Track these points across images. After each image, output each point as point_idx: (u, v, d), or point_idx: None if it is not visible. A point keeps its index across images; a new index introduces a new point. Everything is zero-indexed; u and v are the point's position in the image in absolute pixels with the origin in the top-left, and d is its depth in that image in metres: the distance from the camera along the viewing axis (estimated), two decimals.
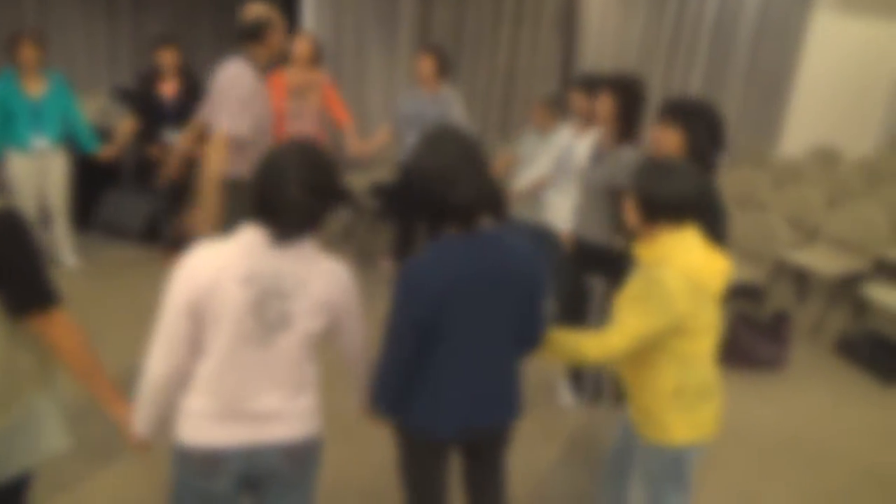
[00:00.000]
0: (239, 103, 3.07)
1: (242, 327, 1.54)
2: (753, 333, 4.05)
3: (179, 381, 1.61)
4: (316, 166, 1.52)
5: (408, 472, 1.98)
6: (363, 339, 1.80)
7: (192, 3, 7.25)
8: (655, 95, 6.86)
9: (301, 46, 4.56)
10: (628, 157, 3.04)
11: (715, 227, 2.14)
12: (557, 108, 4.22)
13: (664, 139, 2.45)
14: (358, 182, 5.57)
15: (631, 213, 1.97)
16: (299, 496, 1.75)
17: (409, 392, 1.79)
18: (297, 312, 1.58)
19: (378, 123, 5.96)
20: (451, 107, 4.55)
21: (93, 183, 5.13)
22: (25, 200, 4.36)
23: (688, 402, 1.98)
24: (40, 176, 4.37)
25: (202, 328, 1.56)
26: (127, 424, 1.71)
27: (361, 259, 5.33)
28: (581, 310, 3.34)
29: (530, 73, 6.66)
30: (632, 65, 6.77)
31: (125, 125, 4.59)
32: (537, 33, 6.55)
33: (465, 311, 1.70)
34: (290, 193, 1.48)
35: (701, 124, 2.41)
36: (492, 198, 1.72)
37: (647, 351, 1.94)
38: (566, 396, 3.57)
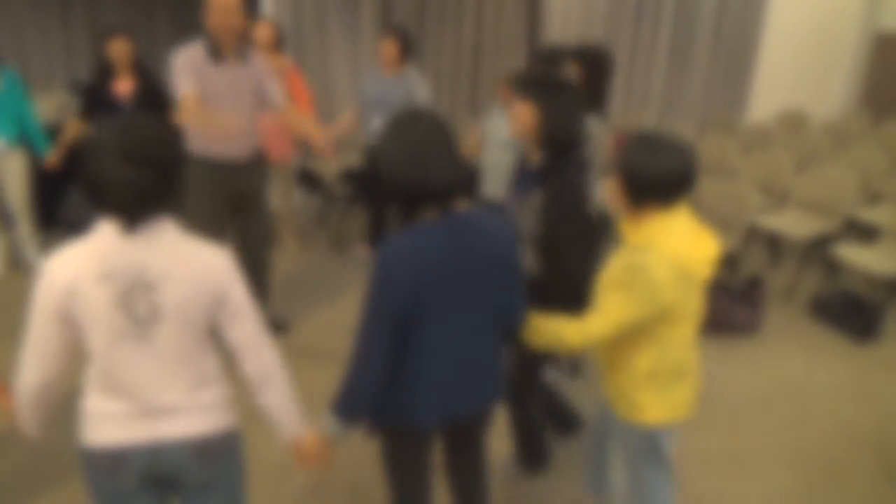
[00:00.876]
0: (181, 69, 3.20)
1: (113, 325, 1.47)
2: (728, 299, 4.08)
3: (58, 386, 1.55)
4: (135, 135, 1.42)
5: (391, 463, 1.94)
6: (257, 336, 1.63)
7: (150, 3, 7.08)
8: (622, 66, 6.84)
9: (262, 32, 4.47)
10: (595, 128, 3.03)
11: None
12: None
13: (516, 113, 2.31)
14: (328, 168, 5.50)
15: (616, 193, 1.89)
16: (222, 496, 1.68)
17: (388, 390, 1.73)
18: (167, 303, 1.49)
19: (344, 106, 5.89)
20: (416, 87, 4.49)
21: (54, 181, 5.00)
22: None
23: (662, 384, 1.95)
24: None
25: (77, 332, 1.50)
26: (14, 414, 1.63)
27: (335, 246, 5.28)
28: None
29: (496, 49, 6.60)
30: (598, 37, 6.73)
31: (71, 127, 4.37)
32: (502, 7, 6.49)
33: (443, 296, 1.65)
34: (107, 165, 1.38)
35: (554, 100, 2.25)
36: (465, 179, 1.69)
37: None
38: (546, 373, 3.57)
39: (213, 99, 3.30)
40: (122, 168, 1.39)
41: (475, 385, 1.82)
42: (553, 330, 1.93)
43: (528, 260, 2.31)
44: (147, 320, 1.49)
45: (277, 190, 5.03)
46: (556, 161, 2.26)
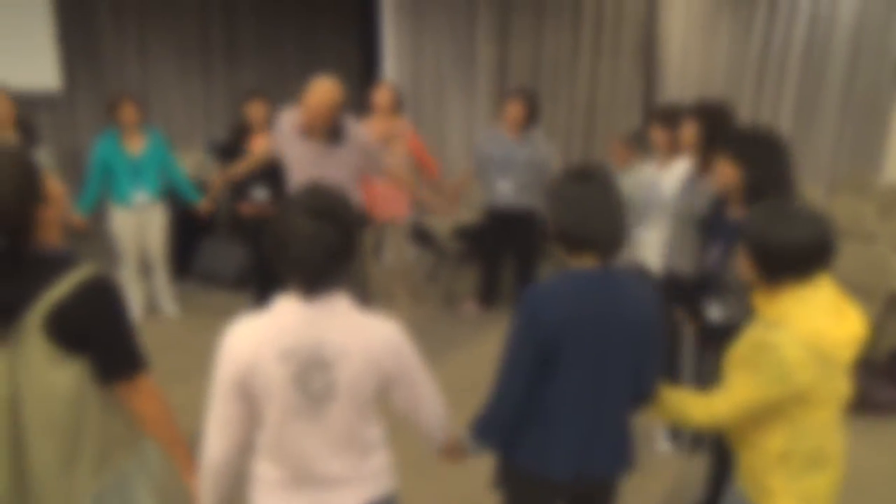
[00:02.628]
0: (272, 131, 3.55)
1: (288, 402, 1.51)
2: (869, 375, 3.76)
3: (239, 459, 1.60)
4: (321, 196, 1.50)
5: None
6: (431, 398, 1.70)
7: (280, 60, 7.59)
8: (744, 124, 6.59)
9: (381, 95, 4.65)
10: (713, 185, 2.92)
11: None
12: (637, 145, 4.12)
13: (719, 173, 2.33)
14: (441, 225, 5.59)
15: (745, 265, 1.79)
16: None
17: (521, 427, 1.75)
18: (341, 381, 1.51)
19: (459, 164, 6.00)
20: (543, 148, 4.55)
21: (189, 234, 5.37)
22: (127, 253, 4.60)
23: (796, 469, 1.79)
24: (141, 229, 4.60)
25: (255, 404, 1.54)
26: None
27: (446, 303, 5.32)
28: (673, 350, 3.19)
29: (611, 106, 6.56)
30: (717, 94, 6.55)
31: (216, 179, 4.73)
32: (617, 64, 6.46)
33: (584, 344, 1.67)
34: (296, 221, 1.45)
35: (763, 160, 2.26)
36: (624, 238, 1.73)
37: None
38: (663, 444, 3.40)
39: (297, 167, 3.43)
40: (310, 223, 1.45)
41: (608, 445, 1.80)
42: (679, 405, 1.85)
43: (736, 308, 2.34)
44: (321, 398, 1.52)
45: (391, 246, 5.16)
46: None
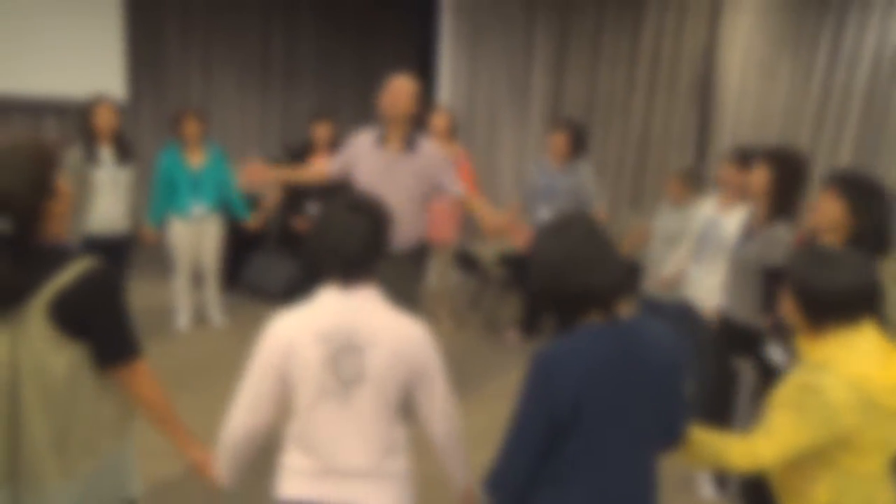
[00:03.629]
0: (343, 149, 3.54)
1: (321, 384, 1.63)
2: None
3: (258, 438, 1.72)
4: (359, 197, 1.74)
5: None
6: (447, 407, 1.77)
7: (336, 82, 7.75)
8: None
9: (438, 120, 4.72)
10: (782, 235, 2.87)
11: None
12: (693, 182, 4.08)
13: (824, 207, 2.29)
14: (486, 251, 5.60)
15: (790, 309, 1.76)
16: None
17: (536, 486, 1.65)
18: (371, 366, 1.64)
19: (509, 194, 6.03)
20: (583, 180, 4.55)
21: (241, 247, 5.48)
22: (182, 263, 4.72)
23: None
24: (196, 240, 4.72)
25: (288, 388, 1.67)
26: (204, 466, 1.82)
27: (488, 329, 5.31)
28: (727, 398, 3.13)
29: (664, 143, 6.52)
30: (774, 135, 6.47)
31: (271, 197, 4.87)
32: (672, 101, 6.44)
33: (603, 404, 1.57)
34: (337, 214, 1.67)
35: (872, 202, 2.24)
36: (625, 281, 1.66)
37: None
38: (707, 489, 3.31)
39: (368, 182, 3.32)
40: (349, 216, 1.67)
41: (631, 501, 1.69)
42: (716, 448, 1.78)
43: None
44: (351, 381, 1.64)
45: (436, 269, 5.19)
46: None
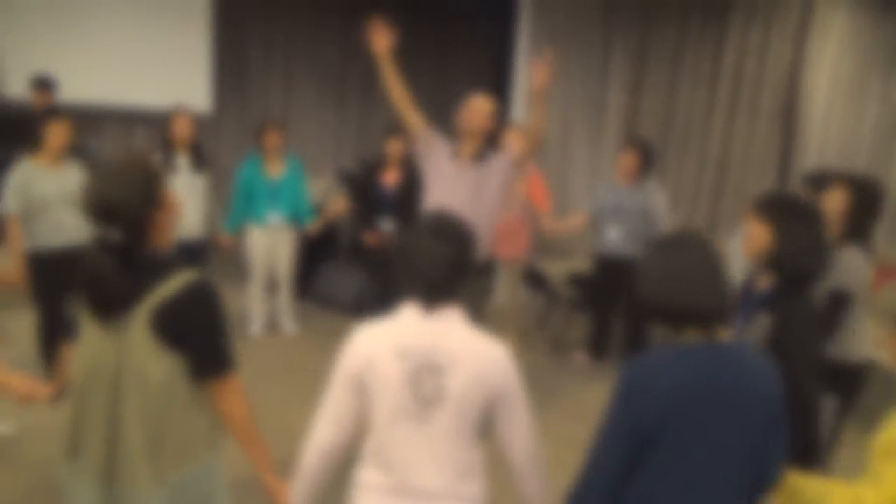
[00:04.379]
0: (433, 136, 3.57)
1: (400, 401, 1.61)
2: None
3: (341, 454, 1.71)
4: (445, 221, 1.70)
5: None
6: (528, 430, 1.71)
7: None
8: (889, 195, 6.19)
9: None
10: (855, 260, 2.78)
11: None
12: None
13: (750, 233, 2.09)
14: (555, 270, 5.55)
15: (891, 346, 1.70)
16: None
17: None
18: (451, 388, 1.61)
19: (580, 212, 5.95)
20: (654, 199, 4.47)
21: (314, 257, 5.60)
22: (257, 270, 4.85)
23: None
24: (272, 248, 4.85)
25: (367, 403, 1.66)
26: (279, 495, 1.82)
27: (555, 350, 5.24)
28: (809, 430, 2.98)
29: (744, 165, 6.33)
30: (862, 159, 6.20)
31: (335, 204, 4.95)
32: (754, 123, 6.25)
33: (691, 426, 1.51)
34: (422, 239, 1.65)
35: (795, 226, 2.02)
36: (731, 306, 1.60)
37: None
38: None
39: (437, 191, 3.43)
40: (434, 242, 1.66)
41: None
42: (815, 495, 1.67)
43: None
44: (430, 401, 1.62)
45: (504, 285, 5.16)
46: (788, 290, 2.06)
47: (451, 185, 3.44)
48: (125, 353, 1.70)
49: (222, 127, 7.41)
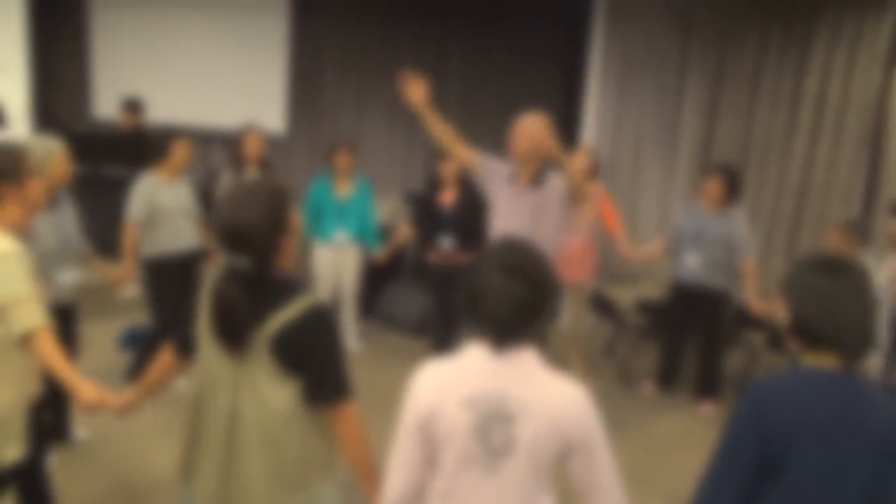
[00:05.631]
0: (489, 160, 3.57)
1: (467, 451, 1.50)
2: None
3: (416, 497, 1.62)
4: (517, 254, 1.53)
5: None
6: (610, 479, 1.56)
7: (480, 120, 7.88)
8: None
9: (580, 161, 4.64)
10: None
11: None
12: (858, 235, 3.74)
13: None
14: (623, 296, 5.40)
15: None
16: None
17: None
18: (522, 438, 1.49)
19: (651, 236, 5.80)
20: (738, 227, 4.30)
21: (378, 276, 5.63)
22: (323, 287, 4.91)
23: None
24: (337, 266, 4.90)
25: (434, 448, 1.56)
26: None
27: (622, 378, 5.08)
28: None
29: (826, 192, 6.04)
30: None
31: (401, 232, 4.98)
32: (838, 149, 5.96)
33: (816, 455, 1.46)
34: (490, 277, 1.48)
35: None
36: (872, 338, 1.53)
37: None
38: None
39: (501, 217, 3.41)
40: (503, 279, 1.49)
41: None
42: None
43: None
44: (499, 452, 1.51)
45: (570, 310, 5.05)
46: None
47: (511, 209, 3.40)
48: (245, 376, 1.68)
49: (295, 148, 7.60)
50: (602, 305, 5.35)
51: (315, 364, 1.68)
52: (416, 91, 3.34)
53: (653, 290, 5.41)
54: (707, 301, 4.44)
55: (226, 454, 1.70)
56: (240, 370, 1.68)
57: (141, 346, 4.18)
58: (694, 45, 5.93)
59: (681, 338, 4.74)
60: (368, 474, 1.76)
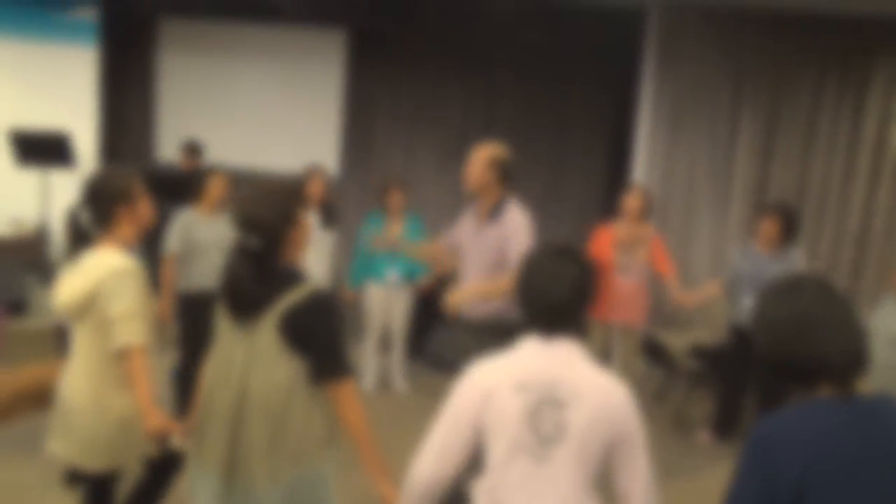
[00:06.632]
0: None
1: (518, 438, 1.53)
2: None
3: (443, 487, 1.65)
4: (565, 245, 1.68)
5: None
6: (648, 481, 1.60)
7: (529, 160, 7.92)
8: None
9: (632, 201, 4.61)
10: None
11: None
12: None
13: None
14: (675, 341, 5.28)
15: None
16: None
17: None
18: (572, 423, 1.52)
19: (703, 280, 5.69)
20: (798, 267, 4.20)
21: (427, 317, 5.63)
22: (372, 327, 4.93)
23: None
24: (388, 306, 4.93)
25: (481, 439, 1.59)
26: (390, 501, 1.82)
27: (675, 427, 4.94)
28: None
29: (888, 238, 5.85)
30: None
31: (446, 262, 4.96)
32: None
33: (836, 495, 1.33)
34: (542, 262, 1.63)
35: None
36: (865, 350, 1.41)
37: None
38: None
39: (465, 256, 3.37)
40: (555, 263, 1.63)
41: None
42: None
43: None
44: (550, 439, 1.54)
45: (620, 353, 4.95)
46: None
47: (472, 246, 3.33)
48: (253, 353, 1.83)
49: (347, 190, 7.75)
50: (653, 350, 5.24)
51: (318, 344, 1.83)
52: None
53: (706, 335, 5.28)
54: None
55: (234, 425, 1.84)
56: (249, 347, 1.83)
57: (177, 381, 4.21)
58: (746, 87, 5.89)
59: (740, 384, 4.59)
60: (370, 454, 1.88)
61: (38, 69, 7.06)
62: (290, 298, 1.83)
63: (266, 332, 1.82)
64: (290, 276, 1.89)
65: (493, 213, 3.26)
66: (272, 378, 1.82)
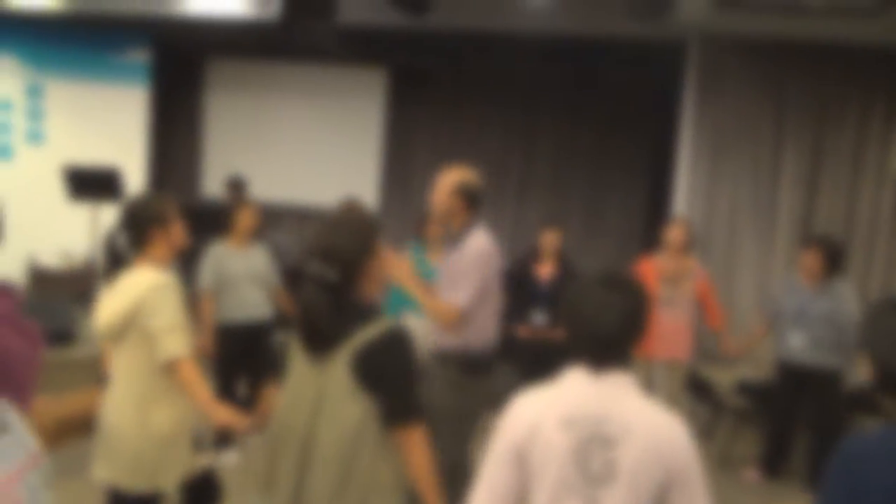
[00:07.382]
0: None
1: (564, 479, 1.43)
2: None
3: None
4: (615, 274, 1.58)
5: None
6: None
7: (567, 194, 7.91)
8: None
9: (675, 234, 4.54)
10: None
11: None
12: None
13: None
14: (721, 377, 5.13)
15: None
16: None
17: None
18: (623, 463, 1.41)
19: (747, 314, 5.56)
20: (844, 302, 4.04)
21: None
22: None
23: None
24: (425, 335, 4.88)
25: (526, 479, 1.49)
26: None
27: (720, 465, 4.77)
28: None
29: None
30: None
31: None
32: None
33: None
34: (590, 291, 1.51)
35: None
36: None
37: None
38: None
39: (442, 283, 3.17)
40: (602, 292, 1.52)
41: None
42: None
43: None
44: (598, 479, 1.43)
45: (663, 390, 4.83)
46: None
47: (443, 273, 3.21)
48: (325, 390, 1.77)
49: (386, 224, 7.82)
50: (699, 387, 5.10)
51: (390, 384, 1.75)
52: (398, 268, 3.01)
53: (752, 371, 5.13)
54: (816, 382, 4.15)
55: (300, 469, 1.77)
56: (322, 383, 1.76)
57: None
58: (789, 119, 5.81)
59: (789, 422, 4.43)
60: (435, 497, 1.78)
61: (93, 108, 7.36)
62: (366, 334, 1.75)
63: (338, 370, 1.75)
64: (367, 311, 1.82)
65: (457, 240, 3.13)
66: (342, 420, 1.74)
